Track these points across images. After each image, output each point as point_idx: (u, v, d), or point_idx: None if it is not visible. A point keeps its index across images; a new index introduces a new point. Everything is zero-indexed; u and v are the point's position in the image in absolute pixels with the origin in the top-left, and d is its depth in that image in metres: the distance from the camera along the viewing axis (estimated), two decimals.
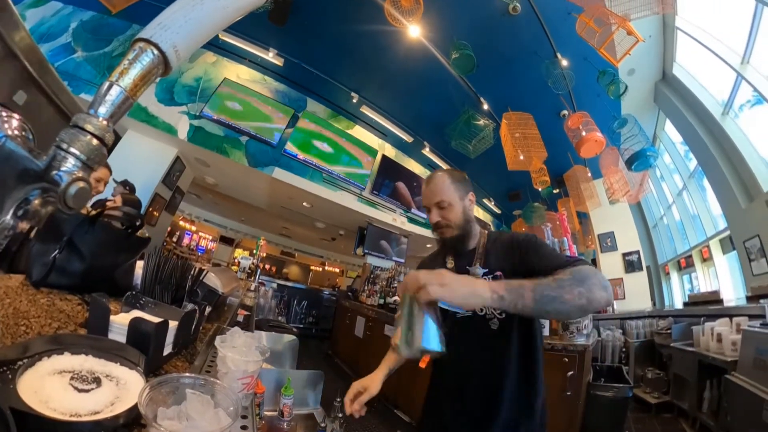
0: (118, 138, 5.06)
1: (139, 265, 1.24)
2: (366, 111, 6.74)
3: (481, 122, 5.14)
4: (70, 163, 0.49)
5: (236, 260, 9.72)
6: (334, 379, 4.80)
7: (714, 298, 4.98)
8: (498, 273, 1.20)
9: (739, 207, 4.87)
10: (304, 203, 7.39)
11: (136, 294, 1.02)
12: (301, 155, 6.26)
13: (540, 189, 6.59)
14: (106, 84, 0.53)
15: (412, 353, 0.84)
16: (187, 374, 0.65)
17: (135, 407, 0.52)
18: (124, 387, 0.60)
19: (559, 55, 4.69)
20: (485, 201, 9.76)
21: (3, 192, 0.47)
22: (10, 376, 0.51)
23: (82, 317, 0.89)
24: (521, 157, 4.85)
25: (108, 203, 3.17)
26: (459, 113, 5.25)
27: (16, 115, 0.55)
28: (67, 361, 0.61)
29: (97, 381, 0.58)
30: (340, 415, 1.36)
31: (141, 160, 5.16)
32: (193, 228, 11.17)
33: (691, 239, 6.94)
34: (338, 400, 1.27)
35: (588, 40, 3.60)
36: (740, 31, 4.47)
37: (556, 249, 3.41)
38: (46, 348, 0.61)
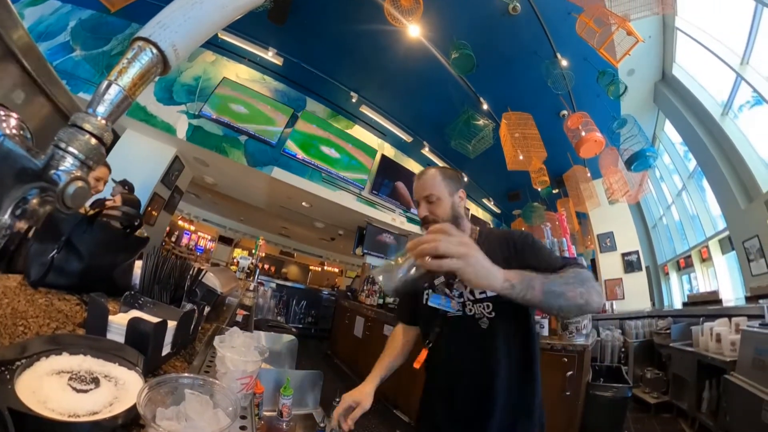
0: (116, 137, 5.05)
1: (138, 264, 1.24)
2: (365, 111, 6.74)
3: (481, 122, 5.14)
4: (68, 163, 0.49)
5: (235, 260, 9.72)
6: (333, 380, 4.80)
7: (713, 299, 4.99)
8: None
9: (738, 207, 4.88)
10: (303, 203, 7.39)
11: (134, 294, 1.02)
12: (301, 155, 6.26)
13: (539, 189, 6.59)
14: (105, 83, 0.53)
15: (388, 289, 0.86)
16: (186, 374, 0.65)
17: (134, 408, 0.51)
18: (123, 387, 0.60)
19: (558, 55, 4.69)
20: (485, 201, 9.76)
21: (1, 191, 0.46)
22: (8, 376, 0.51)
23: (80, 317, 0.89)
24: (521, 157, 4.85)
25: (107, 203, 3.17)
26: (458, 113, 5.25)
27: (14, 114, 0.55)
28: (66, 361, 0.61)
29: (96, 381, 0.58)
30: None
31: (140, 160, 5.15)
32: (192, 228, 11.17)
33: (690, 239, 6.96)
34: (337, 400, 1.26)
35: (588, 41, 3.60)
36: (740, 32, 4.48)
37: (553, 249, 3.41)
38: (45, 348, 0.61)
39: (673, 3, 3.26)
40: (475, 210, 9.83)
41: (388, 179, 7.45)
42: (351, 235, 8.53)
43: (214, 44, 5.62)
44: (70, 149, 0.49)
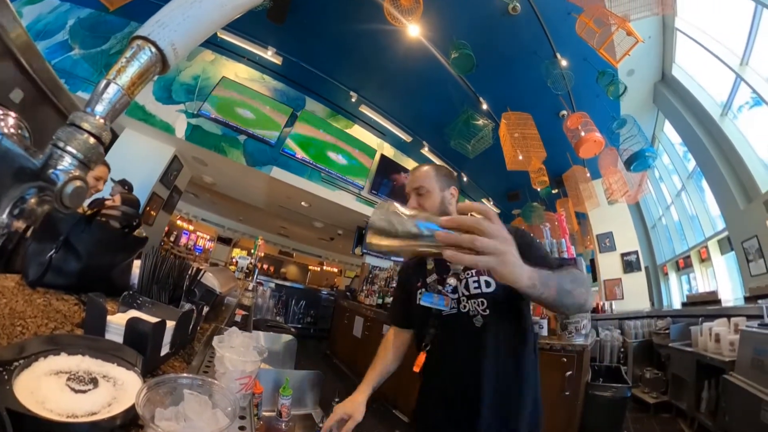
0: (115, 136, 5.05)
1: (137, 264, 1.24)
2: (365, 110, 6.73)
3: (480, 122, 5.14)
4: (66, 162, 0.48)
5: (234, 260, 9.72)
6: (333, 380, 4.80)
7: (712, 299, 4.99)
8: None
9: (737, 208, 4.89)
10: (303, 203, 7.39)
11: (133, 294, 1.01)
12: (300, 154, 6.25)
13: (539, 189, 6.60)
14: (104, 82, 0.53)
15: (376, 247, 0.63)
16: (185, 374, 0.65)
17: (132, 408, 0.51)
18: (122, 388, 0.60)
19: (558, 56, 4.69)
20: (484, 201, 9.76)
21: None
22: (6, 376, 0.51)
23: (78, 317, 0.89)
24: (520, 157, 4.85)
25: (107, 202, 3.17)
26: (458, 113, 5.25)
27: (12, 113, 0.55)
28: (64, 361, 0.61)
29: (94, 382, 0.58)
30: None
31: (138, 159, 5.14)
32: (191, 227, 11.15)
33: (689, 240, 6.96)
34: (336, 400, 1.26)
35: (588, 41, 3.60)
36: (739, 33, 4.48)
37: (553, 250, 3.42)
38: (43, 348, 0.61)
39: (673, 3, 3.27)
40: None
41: (388, 179, 7.45)
42: (350, 234, 8.53)
43: (213, 43, 5.61)
44: (69, 148, 0.48)
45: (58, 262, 1.01)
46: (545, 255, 1.18)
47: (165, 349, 0.86)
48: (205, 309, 1.42)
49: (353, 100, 6.38)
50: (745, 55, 4.53)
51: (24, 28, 1.07)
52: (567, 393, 2.56)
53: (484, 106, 5.70)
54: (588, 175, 6.48)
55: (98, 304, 0.79)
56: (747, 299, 4.37)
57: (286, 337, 2.10)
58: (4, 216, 0.46)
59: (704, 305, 4.87)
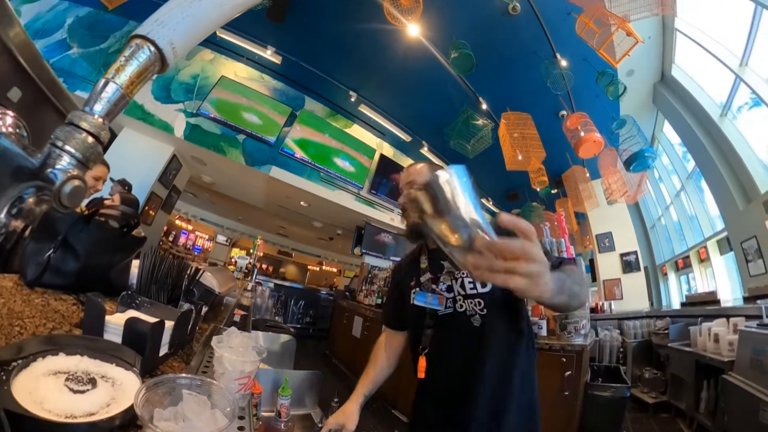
0: (114, 136, 5.04)
1: (135, 264, 1.23)
2: (364, 110, 6.73)
3: (480, 122, 5.14)
4: (65, 161, 0.48)
5: (233, 260, 9.72)
6: (332, 380, 4.80)
7: (711, 299, 4.99)
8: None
9: (736, 208, 4.89)
10: (302, 202, 7.38)
11: (131, 294, 1.01)
12: (300, 153, 6.25)
13: (538, 189, 6.61)
14: (102, 81, 0.52)
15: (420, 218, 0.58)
16: (184, 375, 0.65)
17: (131, 408, 0.51)
18: (120, 388, 0.60)
19: (558, 56, 4.69)
20: (483, 201, 9.76)
21: None
22: (4, 377, 0.51)
23: (77, 317, 0.88)
24: (520, 157, 4.85)
25: (106, 202, 3.16)
26: (458, 113, 5.25)
27: (10, 113, 0.54)
28: (62, 361, 0.61)
29: (93, 382, 0.58)
30: None
31: (137, 158, 5.13)
32: (190, 227, 11.14)
33: (688, 240, 6.97)
34: (335, 400, 1.26)
35: (587, 41, 3.60)
36: (739, 34, 4.48)
37: (552, 249, 3.42)
38: (41, 349, 0.61)
39: (673, 4, 3.26)
40: None
41: (387, 179, 7.44)
42: (349, 234, 8.53)
43: (212, 42, 5.60)
44: (67, 148, 0.48)
45: (57, 261, 1.01)
46: (545, 253, 1.17)
47: (164, 350, 0.86)
48: (204, 309, 1.41)
49: (353, 99, 6.38)
50: (744, 55, 4.53)
51: (22, 26, 1.06)
52: (566, 393, 2.56)
53: (484, 106, 5.70)
54: (587, 175, 6.49)
55: (97, 304, 0.79)
56: (746, 299, 4.37)
57: (285, 337, 2.10)
58: (2, 215, 0.46)
59: (703, 305, 4.88)
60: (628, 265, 7.57)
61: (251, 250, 8.82)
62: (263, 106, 6.02)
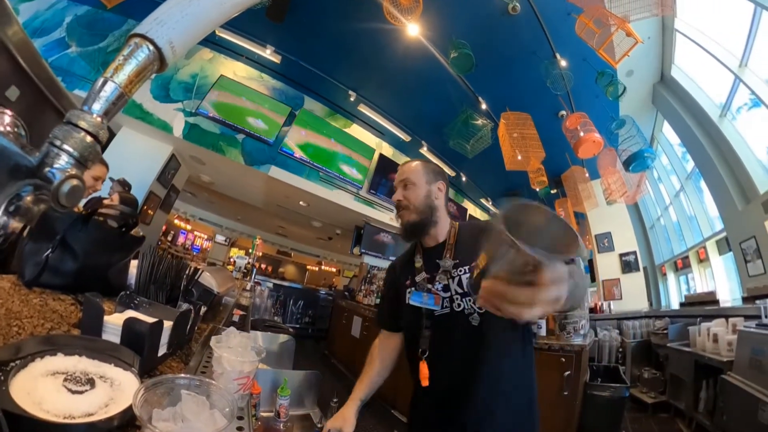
0: (112, 135, 5.03)
1: (134, 264, 1.23)
2: (364, 110, 6.72)
3: (480, 122, 5.14)
4: (63, 160, 0.48)
5: (232, 260, 9.72)
6: (331, 380, 4.80)
7: (710, 299, 5.01)
8: (475, 264, 1.15)
9: (735, 209, 4.90)
10: (301, 202, 7.38)
11: (130, 294, 1.01)
12: (299, 153, 6.24)
13: (538, 189, 6.62)
14: (101, 80, 0.52)
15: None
16: (183, 375, 0.65)
17: (129, 409, 0.51)
18: (119, 388, 0.60)
19: (558, 56, 4.69)
20: (483, 201, 9.78)
21: None
22: (2, 377, 0.51)
23: (75, 317, 0.88)
24: (519, 157, 4.85)
25: (105, 201, 3.15)
26: (457, 112, 5.25)
27: (8, 111, 0.54)
28: (61, 362, 0.60)
29: (91, 382, 0.58)
30: None
31: (136, 158, 5.12)
32: (189, 227, 11.13)
33: (687, 240, 6.97)
34: (335, 401, 1.26)
35: (587, 41, 3.61)
36: (739, 34, 4.49)
37: None
38: (39, 349, 0.61)
39: (673, 5, 3.26)
40: (473, 210, 9.84)
41: (386, 179, 7.44)
42: (348, 234, 8.52)
43: (211, 41, 5.59)
44: (65, 147, 0.48)
45: (55, 261, 1.00)
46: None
47: (162, 350, 0.85)
48: (203, 309, 1.41)
49: (352, 99, 6.37)
50: (744, 56, 4.54)
51: (20, 25, 1.06)
52: (565, 393, 2.56)
53: (483, 106, 5.70)
54: (587, 175, 6.49)
55: (95, 304, 0.79)
56: (745, 299, 4.38)
57: (284, 337, 2.10)
58: (0, 213, 0.46)
59: (702, 305, 4.89)
60: (628, 265, 7.59)
61: (250, 250, 8.83)
62: (262, 106, 6.01)
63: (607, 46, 3.55)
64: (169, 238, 9.82)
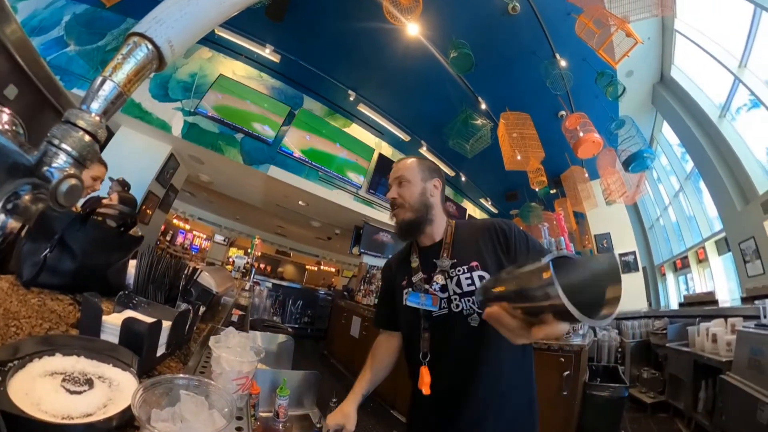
0: (111, 134, 5.02)
1: (132, 264, 1.23)
2: (363, 109, 6.72)
3: (479, 122, 5.14)
4: (61, 160, 0.48)
5: (231, 259, 9.71)
6: (330, 380, 4.80)
7: (709, 299, 5.02)
8: (474, 264, 1.13)
9: (734, 209, 4.90)
10: (300, 202, 7.37)
11: (128, 294, 1.00)
12: (298, 153, 6.24)
13: (537, 189, 6.62)
14: (99, 79, 0.52)
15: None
16: (181, 375, 0.64)
17: (128, 409, 0.51)
18: (117, 388, 0.60)
19: (557, 56, 4.70)
20: (482, 201, 9.78)
21: None
22: (0, 378, 0.50)
23: (73, 317, 0.88)
24: (518, 157, 4.85)
25: (104, 201, 3.15)
26: (457, 112, 5.25)
27: (6, 110, 0.54)
28: (59, 362, 0.60)
29: (90, 382, 0.58)
30: None
31: (134, 157, 5.11)
32: (187, 227, 11.12)
33: (687, 240, 6.98)
34: (334, 401, 1.25)
35: (587, 41, 3.61)
36: (738, 35, 4.49)
37: (551, 249, 3.42)
38: (37, 349, 0.60)
39: (673, 5, 3.26)
40: (473, 210, 9.85)
41: (386, 178, 7.43)
42: (348, 234, 8.53)
43: (210, 40, 5.58)
44: (64, 146, 0.48)
45: (53, 261, 1.00)
46: (541, 249, 1.17)
47: (161, 350, 0.85)
48: (202, 309, 1.41)
49: (351, 98, 6.37)
50: (743, 57, 4.54)
51: (18, 23, 1.06)
52: (565, 393, 2.56)
53: (483, 106, 5.71)
54: (586, 175, 6.50)
55: (93, 304, 0.78)
56: (744, 300, 4.39)
57: (283, 337, 2.09)
58: None
59: (701, 306, 4.90)
60: (627, 265, 7.59)
61: (249, 250, 8.81)
62: (261, 105, 6.01)
63: (607, 46, 3.55)
64: (168, 238, 9.81)
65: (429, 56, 4.92)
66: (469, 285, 1.12)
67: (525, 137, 4.77)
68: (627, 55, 3.64)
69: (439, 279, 1.16)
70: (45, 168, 0.47)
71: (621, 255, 7.65)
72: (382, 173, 7.39)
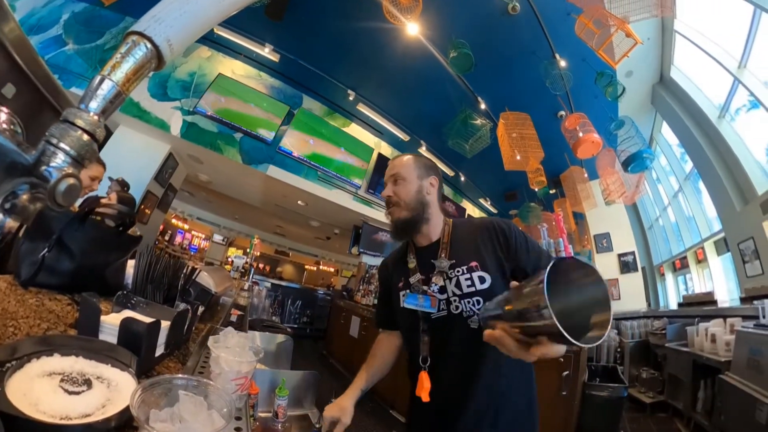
0: (109, 133, 5.01)
1: (131, 264, 1.22)
2: (362, 109, 6.72)
3: (479, 122, 5.14)
4: (59, 159, 0.48)
5: (230, 259, 9.71)
6: (329, 380, 4.79)
7: (708, 299, 5.02)
8: (473, 264, 1.11)
9: (734, 209, 4.91)
10: (299, 201, 7.37)
11: (127, 294, 1.00)
12: (297, 152, 6.23)
13: (536, 189, 6.62)
14: (98, 78, 0.52)
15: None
16: (180, 375, 0.64)
17: (127, 409, 0.51)
18: (116, 389, 0.59)
19: (557, 56, 4.70)
20: (482, 201, 9.78)
21: None
22: None
23: (72, 317, 0.87)
24: (518, 157, 4.85)
25: (102, 200, 3.14)
26: (456, 112, 5.25)
27: (4, 109, 0.54)
28: (57, 362, 0.60)
29: (88, 383, 0.57)
30: None
31: (133, 157, 5.10)
32: (186, 226, 11.11)
33: (686, 241, 6.99)
34: (333, 401, 1.25)
35: (587, 42, 3.61)
36: (738, 36, 4.50)
37: (550, 250, 3.42)
38: (35, 349, 0.60)
39: (672, 6, 3.27)
40: (472, 210, 9.85)
41: None
42: (347, 234, 8.52)
43: (209, 39, 5.58)
44: (62, 145, 0.48)
45: (51, 261, 0.99)
46: (539, 251, 1.15)
47: (160, 350, 0.85)
48: (201, 309, 1.41)
49: (351, 98, 6.37)
50: (743, 58, 4.55)
51: (17, 22, 1.05)
52: (564, 393, 2.56)
53: (483, 106, 5.71)
54: (585, 175, 6.50)
55: (92, 304, 0.78)
56: (743, 300, 4.39)
57: (282, 337, 2.09)
58: None
59: (700, 306, 4.90)
60: (626, 265, 7.60)
61: (248, 250, 8.81)
62: (261, 105, 6.00)
63: (607, 46, 3.56)
64: (167, 238, 9.80)
65: (429, 56, 4.92)
66: (469, 286, 1.10)
67: (524, 137, 4.77)
68: (626, 55, 3.64)
69: (438, 280, 1.14)
70: (43, 167, 0.47)
71: (620, 255, 7.67)
72: (381, 173, 7.36)
